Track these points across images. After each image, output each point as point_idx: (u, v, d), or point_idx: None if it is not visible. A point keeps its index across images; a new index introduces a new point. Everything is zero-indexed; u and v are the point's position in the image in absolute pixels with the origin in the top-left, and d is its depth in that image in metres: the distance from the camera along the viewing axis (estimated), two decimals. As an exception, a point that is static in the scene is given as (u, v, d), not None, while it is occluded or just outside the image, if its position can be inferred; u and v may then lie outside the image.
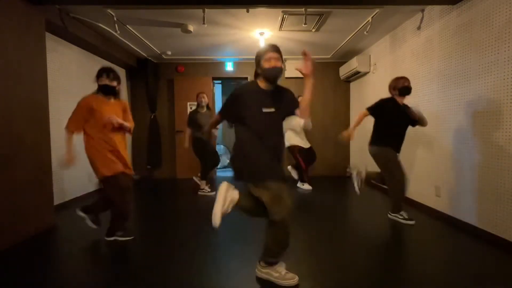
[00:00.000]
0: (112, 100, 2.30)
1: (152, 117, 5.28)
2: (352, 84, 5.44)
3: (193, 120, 3.99)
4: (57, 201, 3.16)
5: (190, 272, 1.82)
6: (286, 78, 5.29)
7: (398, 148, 2.76)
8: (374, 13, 3.21)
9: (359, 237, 2.44)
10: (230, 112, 1.74)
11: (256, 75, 1.77)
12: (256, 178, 1.64)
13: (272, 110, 1.67)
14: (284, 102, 1.75)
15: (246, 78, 5.43)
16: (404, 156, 3.44)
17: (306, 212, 3.14)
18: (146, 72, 5.09)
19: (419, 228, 2.63)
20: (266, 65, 1.65)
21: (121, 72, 5.04)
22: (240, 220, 2.90)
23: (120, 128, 2.29)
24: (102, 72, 2.24)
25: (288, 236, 1.65)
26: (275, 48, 1.68)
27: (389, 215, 2.86)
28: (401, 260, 1.99)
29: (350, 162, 5.48)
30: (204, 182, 4.14)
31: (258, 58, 1.70)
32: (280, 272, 1.69)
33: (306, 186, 4.36)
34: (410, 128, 2.76)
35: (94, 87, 2.28)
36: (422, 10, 3.07)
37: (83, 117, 2.18)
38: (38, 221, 2.56)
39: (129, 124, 2.38)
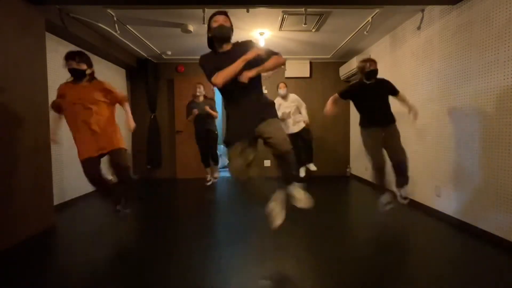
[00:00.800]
0: (85, 84, 2.33)
1: (152, 117, 5.28)
2: (352, 84, 5.43)
3: (190, 109, 4.29)
4: (57, 201, 3.16)
5: (190, 272, 1.82)
6: (286, 78, 5.27)
7: (383, 122, 2.67)
8: (374, 13, 3.21)
9: (360, 237, 2.45)
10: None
11: (210, 43, 1.86)
12: (227, 143, 1.86)
13: None
14: (244, 52, 1.74)
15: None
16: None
17: (306, 212, 3.14)
18: (146, 72, 5.08)
19: (419, 228, 2.63)
20: (213, 25, 1.80)
21: (121, 72, 5.04)
22: (239, 220, 2.90)
23: (89, 108, 2.31)
24: (68, 57, 2.26)
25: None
26: (221, 12, 1.83)
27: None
28: (401, 260, 1.99)
29: (350, 162, 5.48)
30: (207, 170, 4.52)
31: (208, 24, 1.84)
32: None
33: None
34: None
35: None
36: (422, 10, 3.07)
37: (59, 102, 2.31)
38: (38, 221, 2.56)
39: (118, 97, 2.47)
